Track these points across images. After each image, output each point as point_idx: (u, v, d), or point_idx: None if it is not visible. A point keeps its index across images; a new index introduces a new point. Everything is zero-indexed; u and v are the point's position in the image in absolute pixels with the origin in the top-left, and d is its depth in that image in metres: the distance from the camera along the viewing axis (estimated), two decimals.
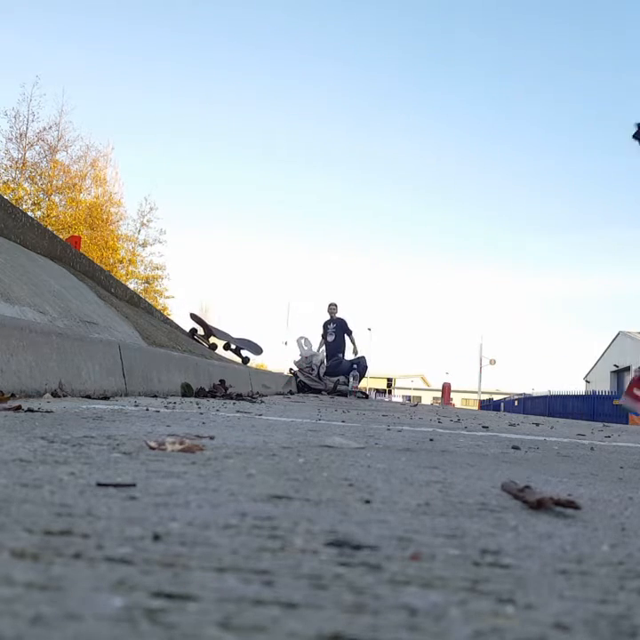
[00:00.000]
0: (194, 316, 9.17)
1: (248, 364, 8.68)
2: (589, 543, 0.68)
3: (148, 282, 27.36)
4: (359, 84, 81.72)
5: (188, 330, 8.83)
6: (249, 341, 9.05)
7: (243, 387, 5.42)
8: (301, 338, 10.07)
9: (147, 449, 1.14)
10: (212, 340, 8.76)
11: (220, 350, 8.65)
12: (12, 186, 21.51)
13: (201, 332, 8.81)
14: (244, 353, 9.07)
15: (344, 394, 9.38)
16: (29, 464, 0.91)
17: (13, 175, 22.10)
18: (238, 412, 2.65)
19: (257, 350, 9.05)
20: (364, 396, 10.07)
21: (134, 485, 0.80)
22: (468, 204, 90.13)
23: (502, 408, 28.49)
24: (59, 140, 22.97)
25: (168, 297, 28.31)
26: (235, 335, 8.95)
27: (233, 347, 8.94)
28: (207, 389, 4.28)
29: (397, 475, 1.07)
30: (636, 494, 1.06)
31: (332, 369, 9.88)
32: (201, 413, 2.29)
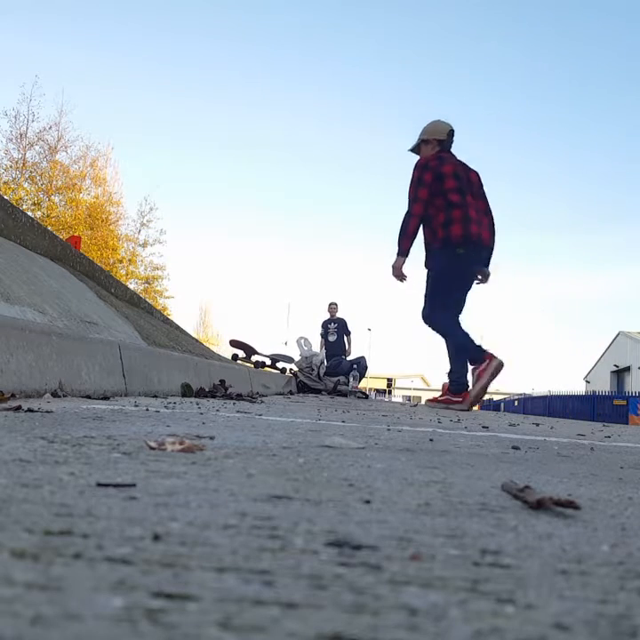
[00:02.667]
0: (234, 342, 9.48)
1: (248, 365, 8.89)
2: (589, 543, 0.68)
3: (148, 282, 27.38)
4: (358, 84, 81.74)
5: (229, 356, 9.22)
6: (282, 354, 10.09)
7: (243, 387, 5.42)
8: (301, 338, 10.06)
9: (147, 449, 1.13)
10: (254, 358, 9.28)
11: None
12: (12, 186, 21.51)
13: (242, 354, 9.27)
14: (280, 364, 9.67)
15: (344, 394, 9.38)
16: (29, 464, 0.91)
17: (13, 175, 22.11)
18: (238, 412, 2.65)
19: (290, 360, 9.90)
20: (364, 396, 10.06)
21: (134, 485, 0.80)
22: None
23: (502, 408, 28.50)
24: (58, 141, 23.00)
25: (168, 297, 28.35)
26: (267, 352, 9.69)
27: (268, 362, 9.46)
28: (207, 389, 4.28)
29: (397, 475, 1.07)
30: (635, 494, 1.06)
31: (332, 369, 9.88)
32: (201, 413, 2.29)
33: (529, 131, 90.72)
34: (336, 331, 11.08)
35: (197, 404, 2.98)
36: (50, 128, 22.62)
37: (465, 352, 5.61)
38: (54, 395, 2.37)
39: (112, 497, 0.73)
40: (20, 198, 21.31)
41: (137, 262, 26.78)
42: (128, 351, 3.31)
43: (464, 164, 5.73)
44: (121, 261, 25.71)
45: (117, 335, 4.14)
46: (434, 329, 5.70)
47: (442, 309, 5.56)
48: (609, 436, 2.94)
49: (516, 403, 28.12)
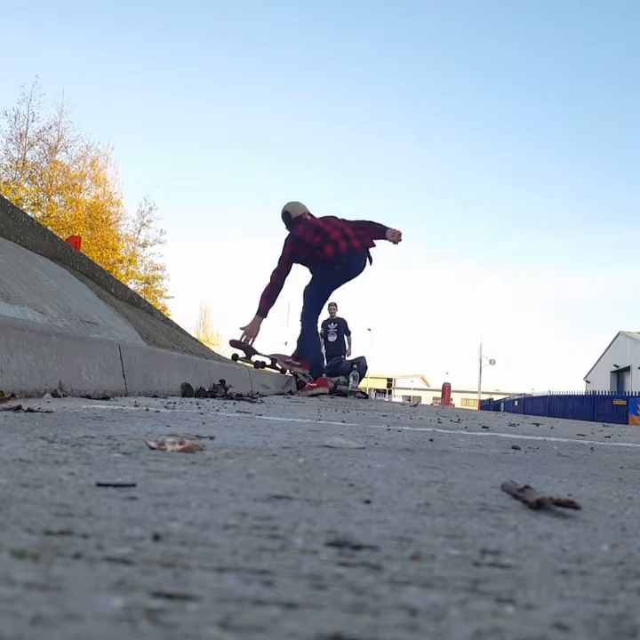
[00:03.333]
0: (234, 343, 9.37)
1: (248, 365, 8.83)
2: (589, 543, 0.68)
3: (148, 282, 27.37)
4: (358, 84, 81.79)
5: (229, 356, 9.11)
6: (282, 354, 9.91)
7: (243, 387, 5.42)
8: None
9: (147, 449, 1.13)
10: (254, 358, 9.17)
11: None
12: (12, 186, 21.51)
13: (242, 354, 9.17)
14: (280, 364, 9.53)
15: (344, 394, 9.37)
16: (29, 464, 0.91)
17: (14, 175, 22.10)
18: (238, 412, 2.65)
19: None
20: (364, 396, 10.05)
21: (134, 485, 0.80)
22: (468, 204, 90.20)
23: (502, 408, 28.50)
24: (59, 141, 22.99)
25: (168, 297, 28.34)
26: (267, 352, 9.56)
27: (268, 362, 9.36)
28: (207, 389, 4.28)
29: (397, 475, 1.07)
30: (635, 494, 1.06)
31: (332, 369, 9.87)
32: (201, 413, 2.29)
33: (529, 131, 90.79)
34: (336, 331, 11.08)
35: (197, 404, 2.98)
36: (50, 128, 22.62)
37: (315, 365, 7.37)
38: (54, 395, 2.37)
39: (112, 497, 0.73)
40: (20, 198, 21.30)
41: (137, 262, 26.77)
42: (128, 351, 3.31)
43: (313, 216, 7.46)
44: (121, 261, 25.70)
45: (117, 335, 4.14)
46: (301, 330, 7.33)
47: (312, 317, 7.23)
48: (609, 436, 2.94)
49: (515, 403, 28.11)
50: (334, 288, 7.23)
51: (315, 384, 7.11)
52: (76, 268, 5.91)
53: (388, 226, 7.20)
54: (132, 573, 0.48)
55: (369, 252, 7.22)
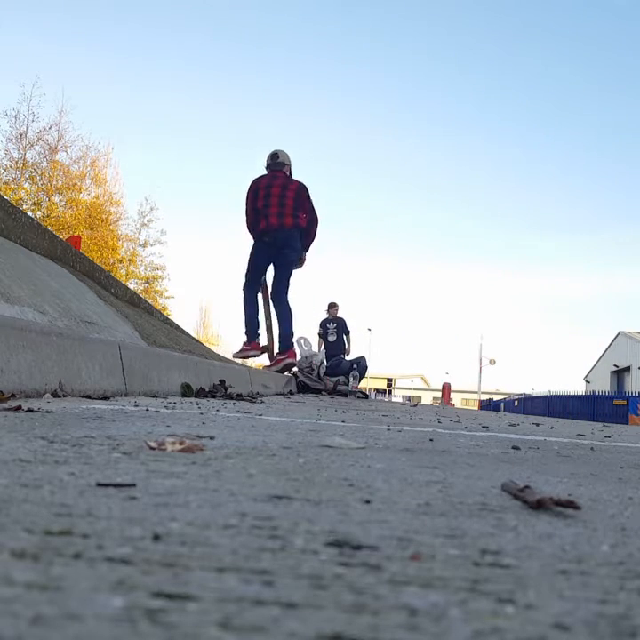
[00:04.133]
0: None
1: (248, 365, 8.60)
2: (589, 543, 0.68)
3: (148, 282, 27.35)
4: (357, 84, 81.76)
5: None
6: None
7: (243, 387, 5.42)
8: (301, 338, 10.01)
9: (147, 449, 1.13)
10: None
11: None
12: (12, 186, 21.49)
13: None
14: (269, 368, 9.04)
15: (344, 394, 9.36)
16: (29, 464, 0.91)
17: (14, 175, 22.08)
18: (238, 412, 2.65)
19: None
20: (364, 396, 10.05)
21: (134, 485, 0.80)
22: (468, 204, 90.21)
23: (502, 408, 28.49)
24: (59, 141, 22.96)
25: (168, 297, 28.33)
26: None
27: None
28: (207, 389, 4.27)
29: (397, 475, 1.07)
30: (635, 494, 1.06)
31: (332, 369, 9.85)
32: (201, 413, 2.29)
33: (530, 130, 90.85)
34: (335, 331, 11.08)
35: (197, 404, 2.98)
36: (50, 128, 22.57)
37: (249, 323, 8.03)
38: (54, 395, 2.37)
39: (112, 497, 0.73)
40: (20, 198, 21.28)
41: (137, 262, 26.76)
42: (128, 351, 3.31)
43: (279, 177, 7.71)
44: (121, 261, 25.69)
45: (117, 335, 4.14)
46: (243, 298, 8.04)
47: (249, 285, 7.87)
48: (609, 436, 2.94)
49: (516, 403, 28.11)
50: (263, 256, 7.75)
51: (251, 347, 7.99)
52: (76, 268, 5.91)
53: (308, 249, 8.01)
54: (131, 573, 0.48)
55: (301, 233, 7.73)
